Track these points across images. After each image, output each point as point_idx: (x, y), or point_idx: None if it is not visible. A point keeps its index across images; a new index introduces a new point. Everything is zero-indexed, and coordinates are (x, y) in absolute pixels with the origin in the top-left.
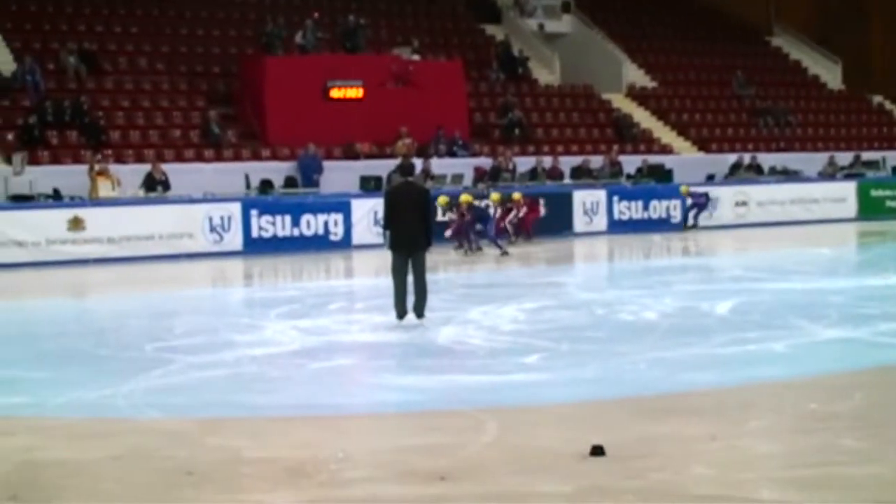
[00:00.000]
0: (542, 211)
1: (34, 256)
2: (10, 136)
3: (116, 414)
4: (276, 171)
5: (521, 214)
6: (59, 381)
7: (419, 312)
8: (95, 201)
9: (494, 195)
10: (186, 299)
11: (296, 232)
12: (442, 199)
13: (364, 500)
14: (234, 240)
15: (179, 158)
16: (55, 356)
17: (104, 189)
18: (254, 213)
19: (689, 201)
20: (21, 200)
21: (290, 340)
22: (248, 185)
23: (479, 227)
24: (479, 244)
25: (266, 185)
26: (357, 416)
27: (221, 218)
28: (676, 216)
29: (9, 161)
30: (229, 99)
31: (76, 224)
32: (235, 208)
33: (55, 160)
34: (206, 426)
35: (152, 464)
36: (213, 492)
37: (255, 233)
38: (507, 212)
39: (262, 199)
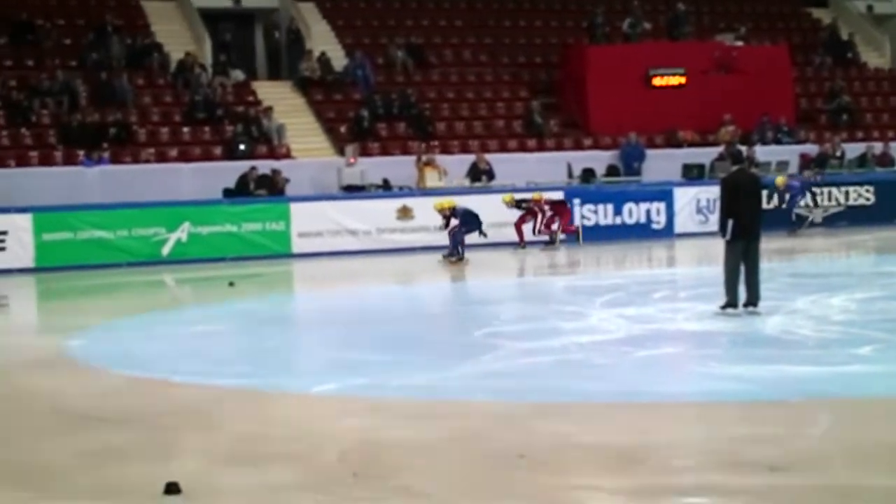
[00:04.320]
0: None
1: (365, 245)
2: (342, 129)
3: (449, 396)
4: (598, 159)
5: (545, 218)
6: (396, 363)
7: (755, 302)
8: (423, 191)
9: (506, 196)
10: (511, 286)
11: (618, 220)
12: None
13: (694, 488)
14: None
15: (503, 148)
16: (391, 340)
17: (431, 179)
18: (576, 201)
19: (787, 196)
20: (353, 191)
21: (616, 328)
22: (570, 174)
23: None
24: (462, 252)
25: (588, 174)
26: (685, 405)
27: None
28: None
29: (342, 153)
30: (552, 89)
31: (405, 213)
32: (558, 197)
33: (384, 151)
34: (536, 410)
35: (485, 446)
36: (544, 475)
37: (577, 221)
38: (528, 214)
39: (584, 187)
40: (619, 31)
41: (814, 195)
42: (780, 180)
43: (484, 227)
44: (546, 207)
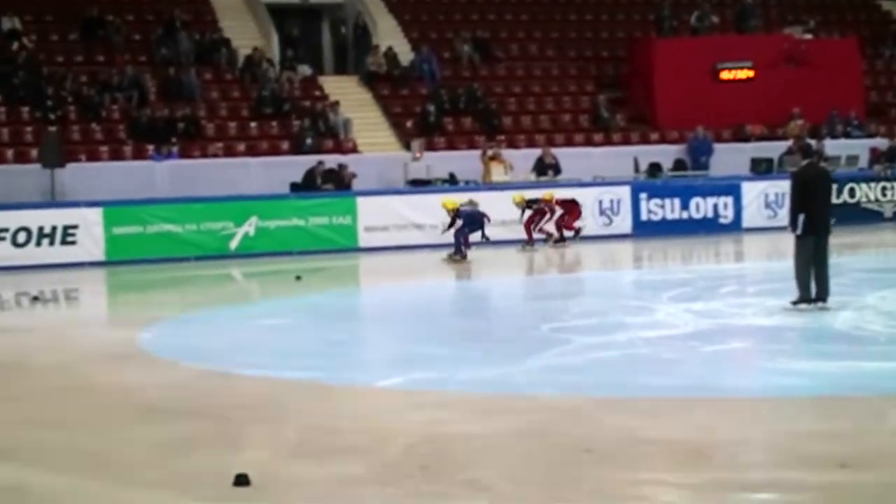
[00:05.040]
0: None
1: (431, 239)
2: (408, 124)
3: (516, 390)
4: (665, 153)
5: (553, 218)
6: (462, 357)
7: (824, 297)
8: (489, 185)
9: (516, 196)
10: (578, 281)
11: (685, 215)
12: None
13: (762, 484)
14: (624, 223)
15: (569, 143)
16: (457, 334)
17: (497, 173)
18: (643, 196)
19: None
20: (419, 185)
21: (683, 323)
22: (636, 169)
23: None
24: (465, 251)
25: (655, 168)
26: (753, 400)
27: (611, 201)
28: None
29: (408, 147)
30: (618, 83)
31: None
32: (625, 192)
33: (450, 146)
34: (603, 405)
35: (552, 440)
36: (613, 470)
37: (644, 216)
38: (536, 214)
39: (651, 182)
40: (686, 24)
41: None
42: None
43: (487, 231)
44: (556, 207)
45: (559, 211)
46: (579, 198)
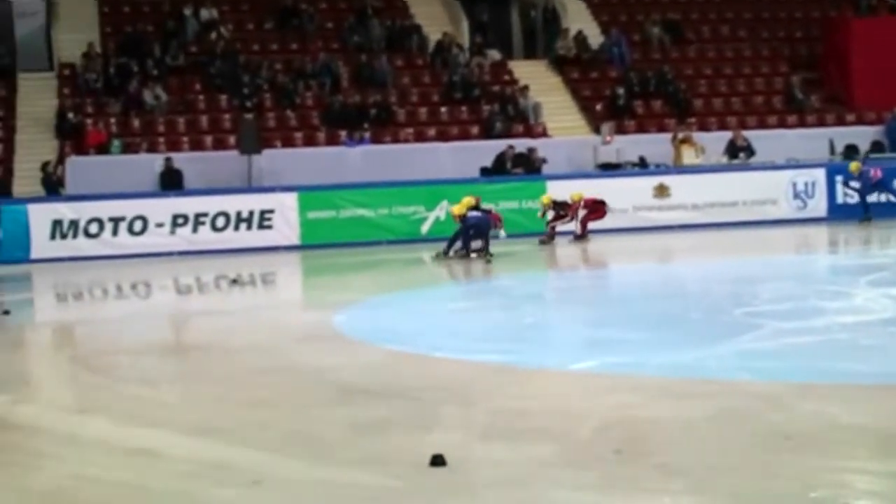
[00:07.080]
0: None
1: (622, 223)
2: (598, 107)
3: (710, 375)
4: (862, 135)
5: (573, 219)
6: (655, 342)
7: None
8: (679, 168)
9: (544, 198)
10: (771, 265)
11: (883, 198)
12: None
13: None
14: (819, 206)
15: (762, 125)
16: (650, 318)
17: (688, 157)
18: (839, 179)
19: (857, 184)
20: (609, 169)
21: (882, 308)
22: (832, 151)
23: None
24: (467, 251)
25: (851, 151)
26: None
27: (805, 184)
28: None
29: (598, 131)
30: (813, 63)
31: (661, 191)
32: (820, 174)
33: (641, 129)
34: (799, 391)
35: (748, 426)
36: (812, 457)
37: (839, 199)
38: (558, 217)
39: (847, 164)
40: (884, 2)
41: None
42: (854, 166)
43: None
44: (580, 210)
45: (582, 213)
46: (772, 179)
